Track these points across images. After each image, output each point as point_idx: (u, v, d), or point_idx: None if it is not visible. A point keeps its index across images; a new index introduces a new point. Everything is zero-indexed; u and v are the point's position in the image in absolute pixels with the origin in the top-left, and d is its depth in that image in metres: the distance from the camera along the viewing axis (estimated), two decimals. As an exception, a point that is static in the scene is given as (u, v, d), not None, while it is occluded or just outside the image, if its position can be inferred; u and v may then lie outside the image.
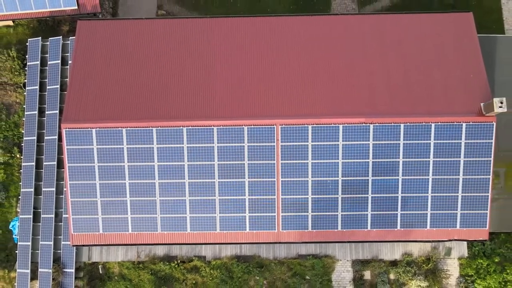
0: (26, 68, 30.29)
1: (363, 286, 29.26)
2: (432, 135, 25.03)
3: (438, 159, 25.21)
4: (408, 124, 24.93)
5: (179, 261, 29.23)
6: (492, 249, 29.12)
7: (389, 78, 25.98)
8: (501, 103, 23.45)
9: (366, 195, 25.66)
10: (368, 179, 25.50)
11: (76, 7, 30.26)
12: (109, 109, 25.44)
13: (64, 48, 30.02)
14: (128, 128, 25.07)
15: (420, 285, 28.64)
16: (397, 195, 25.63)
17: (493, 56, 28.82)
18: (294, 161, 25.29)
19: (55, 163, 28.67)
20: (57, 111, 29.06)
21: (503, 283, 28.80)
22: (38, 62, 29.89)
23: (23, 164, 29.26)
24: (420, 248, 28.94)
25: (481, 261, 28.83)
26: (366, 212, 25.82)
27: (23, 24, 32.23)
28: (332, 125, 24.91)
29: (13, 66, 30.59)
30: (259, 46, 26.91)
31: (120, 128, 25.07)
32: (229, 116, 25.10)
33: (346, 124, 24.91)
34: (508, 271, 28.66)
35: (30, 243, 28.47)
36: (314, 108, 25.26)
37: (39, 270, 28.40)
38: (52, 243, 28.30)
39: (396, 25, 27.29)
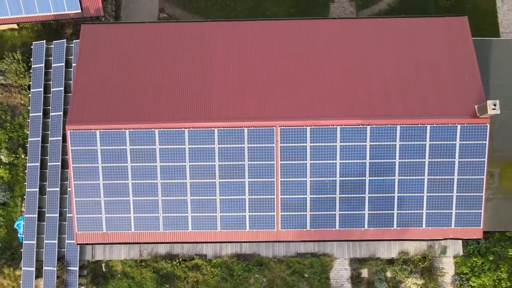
0: (31, 71, 30.70)
1: (360, 284, 29.60)
2: (428, 136, 25.46)
3: (433, 160, 25.64)
4: (404, 125, 25.35)
5: (180, 259, 29.57)
6: (487, 247, 29.53)
7: (385, 81, 26.43)
8: (495, 105, 23.94)
9: (363, 195, 26.06)
10: (365, 179, 25.92)
11: (80, 11, 30.64)
12: (112, 111, 25.90)
13: (68, 51, 30.43)
14: (131, 130, 25.50)
15: (416, 283, 29.01)
16: (393, 195, 26.02)
17: (488, 59, 29.23)
18: (293, 162, 25.70)
19: (59, 163, 29.05)
20: (61, 113, 29.46)
21: (497, 280, 29.20)
22: (43, 65, 30.31)
23: (28, 164, 29.66)
24: (416, 246, 29.30)
25: (476, 259, 29.22)
26: (363, 212, 26.22)
27: (28, 27, 32.61)
28: (330, 126, 25.36)
29: (18, 69, 30.99)
30: (259, 50, 27.35)
31: (123, 130, 25.51)
32: (230, 118, 25.52)
33: (343, 126, 25.34)
34: (502, 269, 29.11)
35: (35, 242, 28.88)
36: (312, 110, 25.68)
37: (44, 268, 28.83)
38: (56, 241, 28.71)
39: (393, 29, 27.71)
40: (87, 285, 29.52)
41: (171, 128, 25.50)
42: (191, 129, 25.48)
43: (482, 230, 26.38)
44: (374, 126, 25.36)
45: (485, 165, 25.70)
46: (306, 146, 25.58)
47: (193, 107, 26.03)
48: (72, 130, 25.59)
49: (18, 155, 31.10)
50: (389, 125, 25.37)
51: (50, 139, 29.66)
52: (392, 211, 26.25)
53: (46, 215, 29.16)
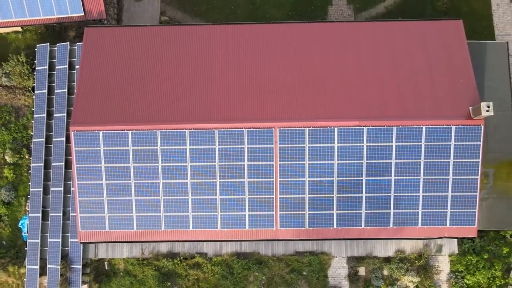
0: (35, 73, 31.12)
1: (358, 282, 29.99)
2: (423, 137, 25.93)
3: (428, 160, 26.11)
4: (400, 127, 25.82)
5: (181, 257, 29.92)
6: (482, 246, 29.96)
7: (382, 83, 26.89)
8: (488, 107, 24.44)
9: (360, 195, 26.48)
10: (362, 179, 26.36)
11: (83, 14, 31.03)
12: (115, 112, 26.39)
13: (71, 53, 30.85)
14: (134, 131, 25.97)
15: (412, 281, 29.41)
16: (389, 194, 26.47)
17: (482, 61, 29.64)
18: (292, 162, 26.14)
19: (63, 163, 29.51)
20: (65, 114, 29.93)
21: (491, 278, 29.62)
22: (46, 67, 30.74)
23: (32, 164, 30.12)
24: (412, 245, 29.67)
25: (471, 257, 29.62)
26: (360, 211, 26.65)
27: (31, 30, 33.09)
28: (328, 128, 25.83)
29: (22, 71, 31.41)
30: (258, 53, 27.84)
31: (125, 131, 25.98)
32: (230, 119, 25.97)
33: (341, 127, 25.82)
34: (496, 267, 29.52)
35: (39, 241, 29.32)
36: (310, 112, 26.14)
37: (48, 266, 29.23)
38: (60, 240, 29.11)
39: (389, 32, 28.22)
40: (90, 283, 29.93)
41: (172, 129, 25.97)
42: (192, 130, 25.95)
43: (477, 229, 26.86)
44: (370, 127, 25.85)
45: (479, 166, 26.18)
46: (304, 147, 26.06)
47: (194, 108, 26.48)
48: (76, 131, 26.10)
49: (22, 156, 31.57)
50: (385, 126, 25.86)
51: (53, 139, 30.13)
52: (389, 211, 26.69)
53: (50, 214, 29.61)
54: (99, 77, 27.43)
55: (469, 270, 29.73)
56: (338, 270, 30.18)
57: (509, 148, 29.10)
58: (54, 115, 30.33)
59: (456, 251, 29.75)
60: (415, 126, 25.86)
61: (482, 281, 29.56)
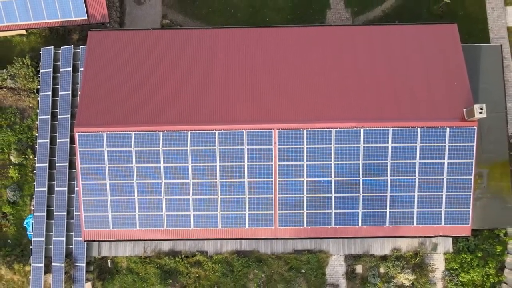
0: (39, 75, 31.64)
1: (355, 279, 30.47)
2: (418, 138, 26.41)
3: (424, 161, 26.59)
4: (396, 128, 26.34)
5: (183, 256, 30.39)
6: (476, 244, 30.43)
7: (378, 86, 27.41)
8: (481, 109, 24.96)
9: (357, 194, 26.96)
10: (359, 179, 26.83)
11: (86, 17, 31.52)
12: (118, 114, 26.91)
13: (75, 56, 31.35)
14: (136, 132, 26.48)
15: (408, 278, 29.90)
16: (386, 194, 26.93)
17: (477, 64, 30.11)
18: (290, 163, 26.62)
19: (67, 164, 30.01)
20: (69, 116, 30.43)
21: (485, 276, 30.13)
22: (51, 70, 31.27)
23: (37, 165, 30.63)
24: (408, 244, 30.15)
25: (465, 255, 30.08)
26: (357, 210, 27.12)
27: (35, 33, 33.60)
28: (325, 129, 26.31)
29: (27, 73, 31.96)
30: (258, 56, 28.35)
31: (128, 132, 26.50)
32: (230, 121, 26.46)
33: (338, 129, 26.30)
34: (490, 265, 30.03)
35: (44, 239, 29.87)
36: (308, 114, 26.64)
37: (52, 264, 29.75)
38: (64, 239, 29.64)
39: (386, 35, 28.75)
40: (93, 281, 30.51)
41: (174, 130, 26.46)
42: (193, 131, 26.47)
43: (471, 228, 27.35)
44: (367, 129, 26.35)
45: (473, 166, 26.67)
46: (302, 148, 26.57)
47: (195, 110, 26.98)
48: (80, 133, 26.64)
49: (27, 156, 32.15)
50: (381, 128, 26.35)
51: (58, 140, 30.63)
52: (385, 210, 27.15)
53: (55, 213, 30.14)
54: (103, 79, 27.93)
55: (463, 268, 30.19)
56: (335, 268, 30.67)
57: (503, 149, 29.62)
58: (59, 116, 30.85)
59: (451, 250, 30.20)
60: (410, 128, 26.37)
61: (476, 279, 30.06)
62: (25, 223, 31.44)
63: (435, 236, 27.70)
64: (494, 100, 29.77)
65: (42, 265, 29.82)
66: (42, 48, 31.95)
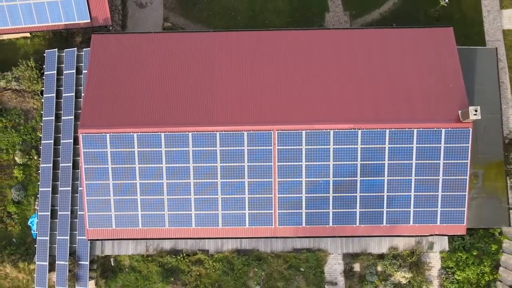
0: (43, 77, 32.09)
1: (353, 278, 30.86)
2: (415, 139, 26.87)
3: (420, 162, 27.04)
4: (392, 129, 26.76)
5: (184, 254, 30.79)
6: (471, 243, 30.79)
7: (375, 88, 27.86)
8: (476, 111, 25.38)
9: (355, 194, 27.39)
10: (356, 180, 27.27)
11: (89, 20, 31.91)
12: (121, 116, 27.38)
13: (79, 58, 31.78)
14: (139, 133, 26.93)
15: (404, 276, 30.28)
16: (383, 194, 27.38)
17: (473, 66, 30.53)
18: (289, 163, 27.05)
19: (71, 164, 30.47)
20: (73, 117, 30.86)
21: (480, 274, 30.53)
22: (55, 72, 31.71)
23: (41, 165, 31.09)
24: (405, 242, 30.59)
25: (461, 254, 30.45)
26: (355, 210, 27.53)
27: (39, 36, 34.03)
28: (324, 130, 26.74)
29: (32, 75, 32.39)
30: (258, 59, 28.81)
31: (131, 133, 26.94)
32: (230, 123, 26.90)
33: (336, 130, 26.74)
34: (485, 263, 30.41)
35: (48, 238, 30.30)
36: (307, 115, 27.09)
37: (57, 262, 30.17)
38: (68, 237, 30.05)
39: (383, 38, 29.23)
40: (96, 279, 30.95)
41: (176, 131, 26.90)
42: (195, 132, 26.90)
43: (466, 227, 27.79)
44: (364, 130, 26.81)
45: (468, 167, 27.17)
46: (301, 148, 27.02)
47: (197, 112, 27.42)
48: (84, 134, 27.10)
49: (31, 157, 32.59)
50: (378, 129, 26.79)
51: (62, 141, 31.05)
52: (382, 209, 27.60)
53: (59, 212, 30.60)
54: (106, 82, 28.35)
55: (459, 266, 30.57)
56: (334, 266, 31.06)
57: (498, 150, 30.06)
58: (62, 118, 31.28)
59: (447, 248, 30.61)
60: (407, 129, 26.78)
61: (471, 277, 30.43)
62: (29, 222, 31.89)
63: (431, 235, 28.16)
64: (489, 101, 30.20)
65: (47, 263, 30.25)
66: (46, 50, 32.38)
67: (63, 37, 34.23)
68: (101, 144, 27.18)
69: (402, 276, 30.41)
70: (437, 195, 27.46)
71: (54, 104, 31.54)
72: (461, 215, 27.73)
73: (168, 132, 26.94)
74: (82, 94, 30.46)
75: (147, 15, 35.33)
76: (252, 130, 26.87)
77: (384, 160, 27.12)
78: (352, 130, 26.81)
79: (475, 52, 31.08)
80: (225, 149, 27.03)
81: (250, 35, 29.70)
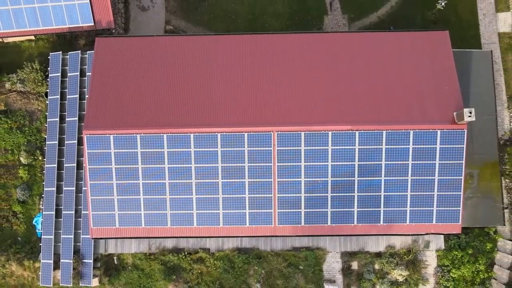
0: (48, 79, 32.59)
1: (351, 275, 31.30)
2: (411, 141, 27.39)
3: (416, 162, 27.56)
4: (389, 131, 27.30)
5: (186, 252, 31.24)
6: (467, 242, 31.21)
7: (373, 90, 28.37)
8: (470, 113, 25.95)
9: (352, 194, 27.89)
10: (354, 180, 27.77)
11: (93, 24, 32.44)
12: (125, 117, 27.87)
13: (82, 61, 32.28)
14: (142, 134, 27.42)
15: (401, 274, 30.71)
16: (380, 193, 27.91)
17: (468, 69, 31.05)
18: (289, 164, 27.54)
19: (75, 165, 30.98)
20: (76, 118, 31.41)
21: (475, 272, 31.01)
22: (59, 74, 32.20)
23: (46, 165, 31.64)
24: (402, 241, 31.06)
25: (456, 252, 30.94)
26: (352, 209, 28.03)
27: (44, 38, 34.56)
28: (322, 132, 27.26)
29: (36, 78, 32.93)
30: (258, 62, 29.30)
31: (134, 134, 27.44)
32: (231, 124, 27.41)
33: (334, 131, 27.26)
34: (480, 261, 30.88)
35: (53, 237, 30.82)
36: (306, 117, 27.59)
37: (61, 260, 30.69)
38: (72, 236, 30.56)
39: (380, 42, 29.72)
40: (100, 276, 31.45)
41: (178, 133, 27.41)
42: (196, 134, 27.40)
43: (461, 226, 28.30)
44: (362, 131, 27.34)
45: (463, 167, 27.67)
46: (300, 149, 27.51)
47: (198, 114, 27.93)
48: (88, 135, 27.62)
49: (36, 157, 33.12)
50: (376, 131, 27.31)
51: (66, 142, 31.61)
52: (379, 209, 28.11)
53: (63, 212, 31.08)
54: (109, 84, 28.83)
55: (454, 265, 31.02)
56: (332, 265, 31.47)
57: (493, 151, 30.62)
58: (67, 119, 31.78)
59: (443, 247, 31.10)
60: (403, 131, 27.31)
61: (466, 275, 30.86)
62: (34, 221, 32.39)
63: (427, 234, 28.66)
64: (484, 103, 30.73)
65: (51, 261, 30.75)
66: (50, 53, 32.84)
67: (67, 40, 34.71)
68: (105, 145, 27.66)
69: (399, 274, 30.86)
70: (433, 195, 27.96)
71: (59, 105, 32.04)
72: (456, 215, 28.22)
73: (170, 133, 27.44)
74: (86, 96, 31.06)
75: (149, 18, 35.83)
76: (253, 131, 27.36)
77: (381, 161, 27.62)
78: (350, 131, 27.33)
79: (471, 55, 31.61)
80: (226, 150, 27.52)
81: (250, 39, 30.12)
